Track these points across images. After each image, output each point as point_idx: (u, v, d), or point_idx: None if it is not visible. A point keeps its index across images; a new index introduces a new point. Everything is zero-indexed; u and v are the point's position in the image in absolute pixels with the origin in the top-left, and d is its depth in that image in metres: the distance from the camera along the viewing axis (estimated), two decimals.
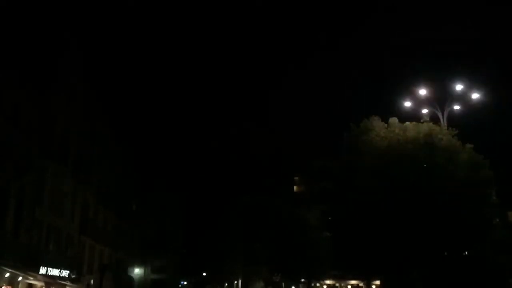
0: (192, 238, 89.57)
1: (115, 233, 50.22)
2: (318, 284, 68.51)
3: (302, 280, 62.93)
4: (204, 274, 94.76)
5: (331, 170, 36.44)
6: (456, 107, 31.20)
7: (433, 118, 31.70)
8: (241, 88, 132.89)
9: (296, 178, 77.37)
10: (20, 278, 27.26)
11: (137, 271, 72.17)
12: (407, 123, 31.81)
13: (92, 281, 41.27)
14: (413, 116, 32.23)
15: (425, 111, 31.85)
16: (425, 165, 29.85)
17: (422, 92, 31.18)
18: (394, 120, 32.21)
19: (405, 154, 30.00)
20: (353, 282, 69.97)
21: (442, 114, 31.33)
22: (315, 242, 50.43)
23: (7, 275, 25.46)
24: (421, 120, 31.51)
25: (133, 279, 65.26)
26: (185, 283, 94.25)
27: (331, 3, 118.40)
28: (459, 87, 30.66)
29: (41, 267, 29.35)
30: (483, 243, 29.90)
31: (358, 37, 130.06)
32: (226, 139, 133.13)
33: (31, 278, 28.28)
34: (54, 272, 31.16)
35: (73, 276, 34.78)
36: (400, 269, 31.35)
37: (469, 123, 34.27)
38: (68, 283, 33.56)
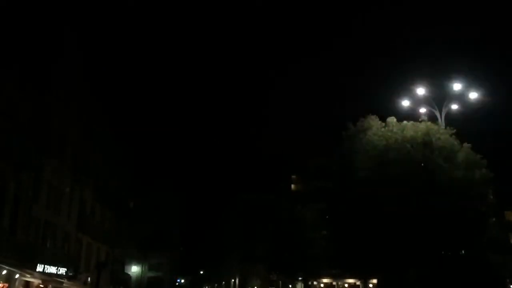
0: (189, 236, 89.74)
1: (113, 231, 50.15)
2: (315, 283, 68.57)
3: (300, 278, 63.02)
4: (202, 272, 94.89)
5: (329, 169, 36.53)
6: (454, 107, 31.24)
7: (431, 118, 31.74)
8: (240, 88, 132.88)
9: (293, 176, 77.50)
10: (17, 276, 27.21)
11: (134, 268, 72.17)
12: (405, 122, 31.85)
13: (89, 278, 41.20)
14: (411, 115, 32.30)
15: (423, 110, 31.89)
16: (422, 164, 29.91)
17: (420, 91, 31.20)
18: (392, 119, 32.26)
19: (403, 153, 30.05)
20: (350, 280, 69.98)
21: (440, 114, 31.37)
22: (313, 241, 50.51)
23: (4, 272, 25.42)
24: (419, 120, 31.55)
25: (130, 276, 65.24)
26: (182, 281, 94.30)
27: (329, 3, 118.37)
28: (457, 86, 30.68)
29: (38, 265, 29.28)
30: (480, 243, 29.99)
31: (356, 37, 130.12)
32: (224, 138, 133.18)
33: (28, 276, 28.25)
34: (51, 269, 31.11)
35: (70, 274, 34.73)
36: (397, 268, 31.41)
37: (467, 123, 34.36)
38: (65, 280, 33.54)
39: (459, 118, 32.12)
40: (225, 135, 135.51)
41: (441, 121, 31.29)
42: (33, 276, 28.72)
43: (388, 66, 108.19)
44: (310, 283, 64.22)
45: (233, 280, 79.05)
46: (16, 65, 27.37)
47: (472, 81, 31.58)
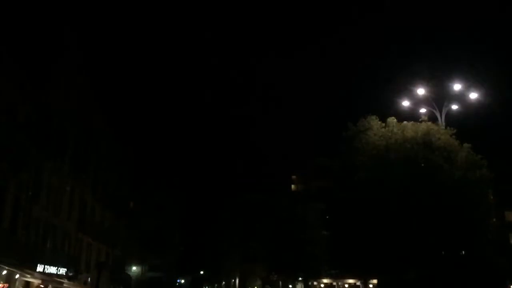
0: (189, 236, 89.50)
1: (113, 231, 50.14)
2: (315, 283, 68.56)
3: (300, 278, 63.00)
4: (202, 272, 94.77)
5: (329, 169, 36.52)
6: (454, 107, 31.23)
7: (431, 118, 31.74)
8: (240, 88, 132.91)
9: (294, 177, 77.59)
10: (17, 276, 27.19)
11: (135, 269, 72.11)
12: (405, 122, 31.84)
13: (89, 279, 41.20)
14: (411, 115, 32.30)
15: (423, 110, 31.89)
16: (423, 165, 29.91)
17: (420, 91, 31.18)
18: (392, 119, 32.25)
19: (403, 153, 30.05)
20: (351, 281, 70.02)
21: (440, 114, 31.36)
22: (313, 241, 50.52)
23: (4, 272, 25.40)
24: (419, 120, 31.55)
25: (130, 277, 65.17)
26: (183, 281, 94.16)
27: (329, 3, 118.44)
28: (457, 86, 30.67)
29: (38, 265, 29.28)
30: (480, 243, 29.96)
31: (356, 37, 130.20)
32: (224, 138, 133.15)
33: (29, 276, 28.21)
34: (52, 269, 31.11)
35: (70, 274, 34.73)
36: (397, 269, 31.39)
37: (467, 123, 34.37)
38: (65, 280, 33.52)
39: (459, 118, 32.15)
40: (225, 135, 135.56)
41: (441, 121, 31.28)
42: (33, 276, 28.68)
43: (389, 66, 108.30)
44: (310, 283, 64.22)
45: (233, 280, 79.02)
46: (16, 65, 27.35)
47: (472, 81, 31.58)
